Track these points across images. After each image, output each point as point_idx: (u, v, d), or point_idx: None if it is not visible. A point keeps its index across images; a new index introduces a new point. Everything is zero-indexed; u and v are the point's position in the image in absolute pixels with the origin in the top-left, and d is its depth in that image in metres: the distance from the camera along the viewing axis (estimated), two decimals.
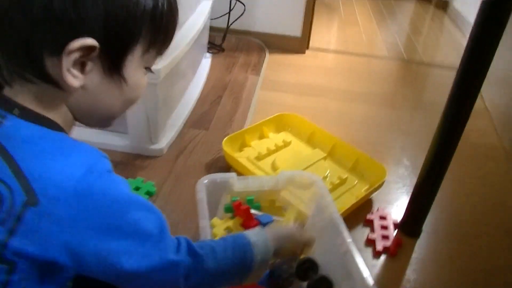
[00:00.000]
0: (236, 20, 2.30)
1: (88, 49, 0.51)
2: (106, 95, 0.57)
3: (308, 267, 1.00)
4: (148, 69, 0.62)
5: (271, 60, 2.30)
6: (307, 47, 2.48)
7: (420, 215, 1.25)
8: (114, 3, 0.51)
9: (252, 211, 1.11)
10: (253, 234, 0.73)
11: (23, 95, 0.53)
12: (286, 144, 1.53)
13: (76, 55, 0.51)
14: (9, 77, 0.53)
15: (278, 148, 1.49)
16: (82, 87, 0.54)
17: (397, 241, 1.19)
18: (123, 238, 0.52)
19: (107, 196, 0.52)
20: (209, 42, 2.20)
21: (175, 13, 0.60)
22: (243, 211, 1.07)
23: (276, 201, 1.16)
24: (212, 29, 2.23)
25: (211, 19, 2.17)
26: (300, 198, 1.20)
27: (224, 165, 1.42)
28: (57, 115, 0.56)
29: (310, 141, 1.56)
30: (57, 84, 0.53)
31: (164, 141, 1.47)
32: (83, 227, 0.50)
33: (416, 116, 1.92)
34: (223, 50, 2.29)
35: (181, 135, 1.57)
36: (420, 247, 1.21)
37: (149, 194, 1.27)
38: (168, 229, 0.58)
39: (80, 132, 0.63)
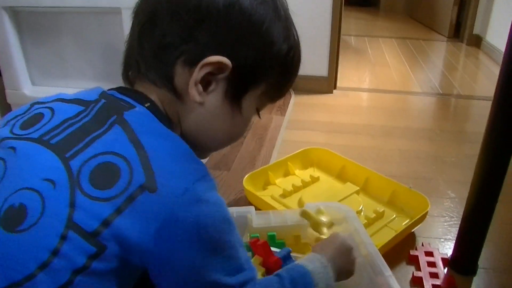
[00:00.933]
0: None
1: (220, 68, 0.53)
2: (219, 119, 0.58)
3: None
4: (257, 111, 0.63)
5: (297, 101, 2.21)
6: (335, 87, 2.38)
7: (473, 250, 1.07)
8: (257, 40, 0.54)
9: (273, 249, 0.97)
10: (309, 262, 0.67)
11: (150, 95, 0.55)
12: (314, 180, 1.39)
13: (207, 70, 0.53)
14: (140, 76, 0.56)
15: (305, 184, 1.36)
16: (201, 103, 0.55)
17: (449, 279, 1.01)
18: (221, 257, 0.50)
19: (216, 212, 0.50)
20: None
21: (299, 65, 0.62)
22: (261, 248, 0.93)
23: (301, 237, 1.01)
24: None
25: None
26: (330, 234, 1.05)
27: (246, 205, 1.29)
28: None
29: (341, 175, 1.42)
30: (177, 93, 0.55)
31: None
32: (186, 234, 0.47)
33: (458, 148, 1.75)
34: None
35: None
36: (479, 287, 1.02)
37: None
38: None
39: None
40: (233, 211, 1.00)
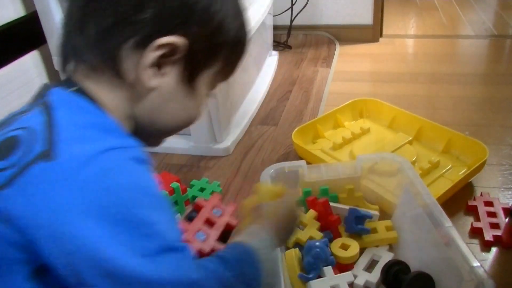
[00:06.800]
0: (299, 13, 2.17)
1: (173, 50, 0.49)
2: (173, 103, 0.54)
3: (398, 270, 0.84)
4: (209, 91, 0.59)
5: (342, 51, 2.14)
6: (381, 35, 2.28)
7: None
8: (209, 17, 0.51)
9: (333, 204, 0.96)
10: (251, 237, 0.58)
11: (85, 82, 0.51)
12: (365, 132, 1.35)
13: (159, 53, 0.49)
14: (79, 65, 0.52)
15: (355, 136, 1.33)
16: (154, 88, 0.51)
17: (510, 229, 0.98)
18: (131, 233, 0.42)
19: (129, 182, 0.44)
20: (275, 41, 2.10)
21: (249, 41, 0.59)
22: (321, 206, 0.92)
23: (354, 190, 1.00)
24: (277, 27, 2.13)
25: (274, 15, 2.07)
26: (384, 186, 1.03)
27: (296, 160, 1.28)
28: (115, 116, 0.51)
29: (392, 125, 1.38)
30: (126, 79, 0.50)
31: (229, 140, 1.36)
32: (87, 206, 0.41)
33: None
34: (289, 47, 2.16)
35: (248, 133, 1.46)
36: None
37: None
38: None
39: None
40: (284, 165, 0.99)
